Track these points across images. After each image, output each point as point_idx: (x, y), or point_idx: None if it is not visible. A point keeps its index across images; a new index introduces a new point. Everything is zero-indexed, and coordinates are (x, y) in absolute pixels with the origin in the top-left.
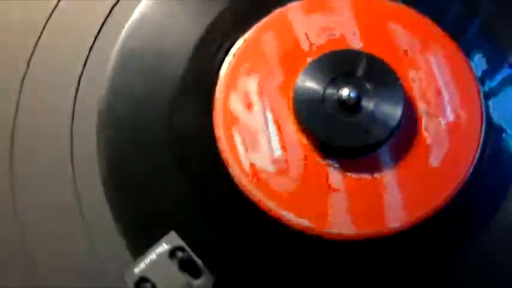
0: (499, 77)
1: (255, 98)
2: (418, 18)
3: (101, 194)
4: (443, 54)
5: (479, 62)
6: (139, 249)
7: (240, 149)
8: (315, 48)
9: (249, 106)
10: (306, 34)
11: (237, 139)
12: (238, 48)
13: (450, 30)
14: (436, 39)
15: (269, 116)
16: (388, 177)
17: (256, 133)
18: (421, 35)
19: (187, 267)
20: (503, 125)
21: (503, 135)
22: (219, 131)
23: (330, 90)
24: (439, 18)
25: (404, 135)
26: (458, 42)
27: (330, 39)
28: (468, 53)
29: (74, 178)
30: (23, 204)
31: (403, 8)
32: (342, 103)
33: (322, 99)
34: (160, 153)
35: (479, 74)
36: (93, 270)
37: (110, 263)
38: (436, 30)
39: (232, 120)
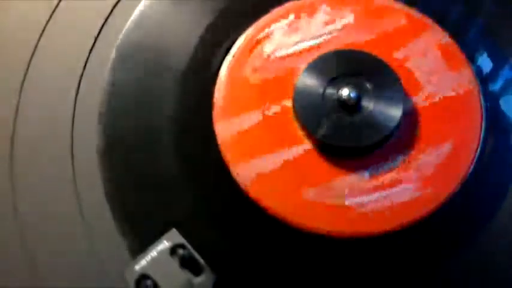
0: (499, 77)
1: (322, 18)
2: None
3: (101, 194)
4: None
5: (479, 62)
6: (139, 249)
7: (274, 26)
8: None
9: (312, 13)
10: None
11: (282, 23)
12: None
13: (450, 30)
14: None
15: (307, 41)
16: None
17: (291, 31)
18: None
19: (188, 264)
20: (504, 125)
21: (503, 135)
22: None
23: (330, 90)
24: (439, 18)
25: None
26: (458, 42)
27: (402, 54)
28: (468, 53)
29: (74, 178)
30: (23, 204)
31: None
32: (342, 103)
33: (322, 99)
34: (160, 153)
35: (480, 74)
36: (93, 270)
37: (110, 263)
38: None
39: (297, 8)
